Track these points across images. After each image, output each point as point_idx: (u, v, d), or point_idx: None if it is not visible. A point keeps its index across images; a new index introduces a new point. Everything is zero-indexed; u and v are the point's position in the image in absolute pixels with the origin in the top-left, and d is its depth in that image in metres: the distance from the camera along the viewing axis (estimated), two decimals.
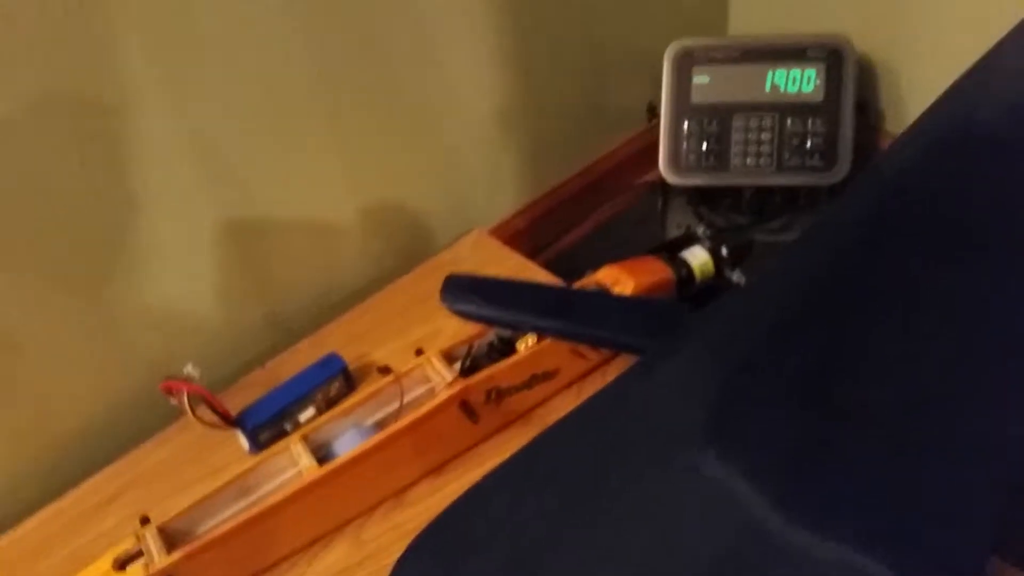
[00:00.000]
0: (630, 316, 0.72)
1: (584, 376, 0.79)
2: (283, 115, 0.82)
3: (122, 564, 0.63)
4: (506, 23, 0.93)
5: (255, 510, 0.65)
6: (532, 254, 1.10)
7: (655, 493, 0.52)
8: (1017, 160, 0.72)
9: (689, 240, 0.84)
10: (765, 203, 1.07)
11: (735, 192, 1.06)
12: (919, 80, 1.01)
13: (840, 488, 0.49)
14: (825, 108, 0.98)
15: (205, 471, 0.77)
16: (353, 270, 0.94)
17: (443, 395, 0.69)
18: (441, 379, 0.72)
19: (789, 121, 0.99)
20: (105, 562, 0.64)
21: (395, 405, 0.73)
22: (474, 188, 1.03)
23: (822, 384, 0.57)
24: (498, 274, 0.92)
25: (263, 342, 0.90)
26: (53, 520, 0.77)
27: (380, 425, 0.73)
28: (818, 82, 0.98)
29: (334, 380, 0.80)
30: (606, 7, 1.02)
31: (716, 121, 1.01)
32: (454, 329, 0.83)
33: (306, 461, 0.67)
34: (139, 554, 0.63)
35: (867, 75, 1.04)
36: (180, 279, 0.83)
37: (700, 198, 1.10)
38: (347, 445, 0.70)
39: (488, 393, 0.72)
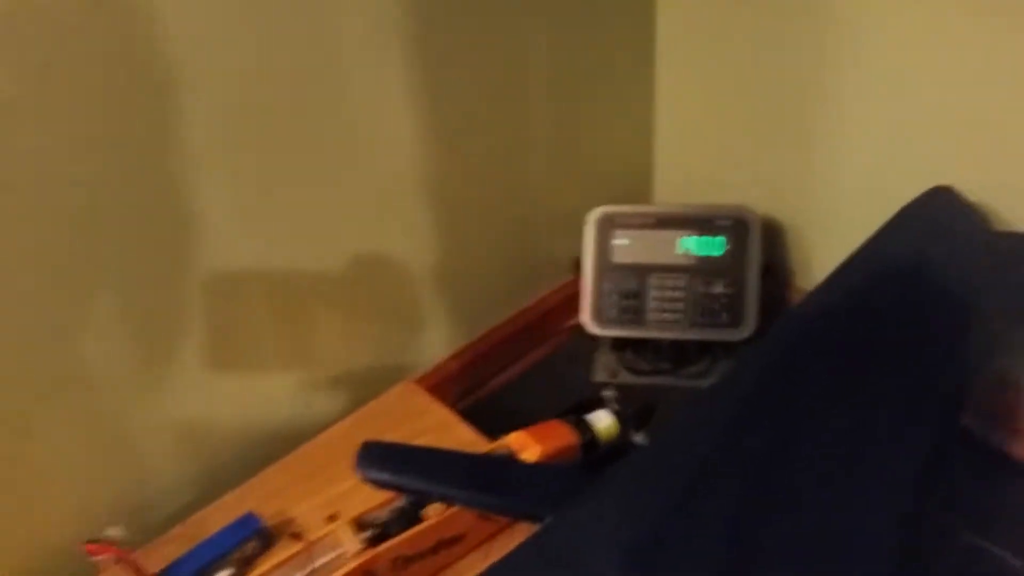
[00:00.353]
0: (533, 485, 0.76)
1: (491, 537, 0.83)
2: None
3: None
4: (438, 182, 1.00)
5: None
6: (465, 394, 1.15)
7: None
8: (896, 323, 0.81)
9: (596, 403, 0.89)
10: (683, 350, 1.13)
11: (655, 340, 1.13)
12: (823, 243, 1.10)
13: None
14: (732, 271, 1.05)
15: None
16: (284, 421, 0.99)
17: (349, 566, 0.73)
18: (350, 546, 0.75)
19: (699, 282, 1.06)
20: None
21: (305, 572, 0.76)
22: (408, 335, 1.09)
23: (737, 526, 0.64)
24: (422, 426, 0.97)
25: (191, 493, 0.93)
26: None
27: None
28: (727, 247, 1.05)
29: (250, 540, 0.83)
30: (538, 172, 1.10)
31: (634, 279, 1.08)
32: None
33: None
34: None
35: (777, 239, 1.12)
36: (113, 430, 0.87)
37: (624, 343, 1.16)
38: None
39: (394, 561, 0.75)
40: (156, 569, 0.81)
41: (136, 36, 0.72)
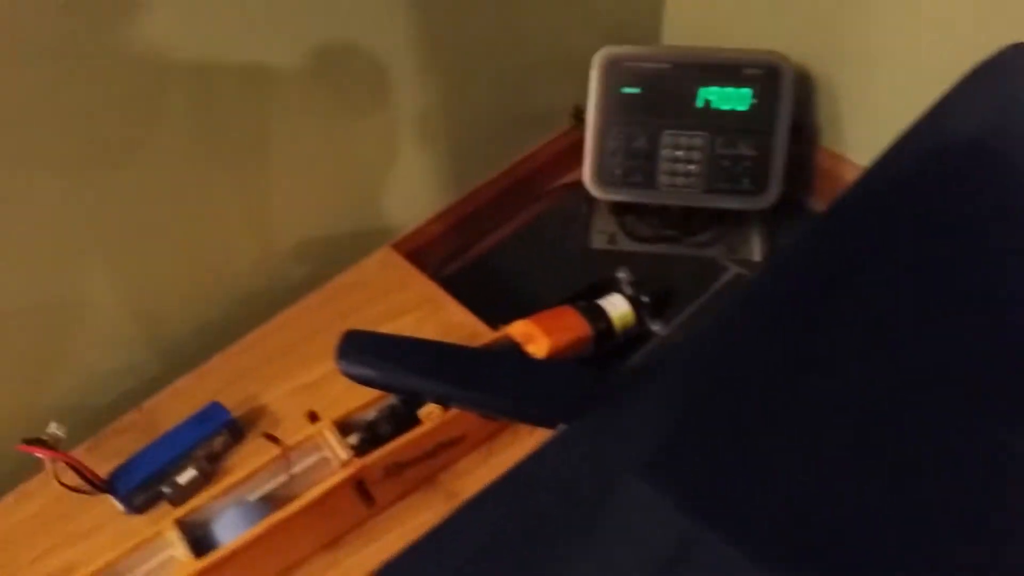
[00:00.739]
0: (541, 386, 0.67)
1: (492, 436, 0.74)
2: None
3: None
4: (424, 14, 0.83)
5: None
6: (448, 260, 1.03)
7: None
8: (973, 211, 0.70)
9: (608, 286, 0.79)
10: (691, 216, 1.02)
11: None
12: (859, 99, 0.97)
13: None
14: (758, 129, 0.92)
15: (74, 533, 0.71)
16: (246, 288, 0.86)
17: (337, 476, 0.64)
18: (334, 455, 0.66)
19: (720, 141, 0.93)
20: None
21: (282, 478, 0.67)
22: (387, 193, 0.95)
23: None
24: (404, 301, 0.86)
25: (143, 374, 0.82)
26: None
27: (266, 500, 0.67)
28: (753, 101, 0.92)
29: (217, 435, 0.73)
30: (532, 4, 0.92)
31: (644, 136, 0.94)
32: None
33: (182, 551, 0.61)
34: None
35: (804, 92, 0.99)
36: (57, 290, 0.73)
37: (625, 207, 1.04)
38: (230, 527, 0.64)
39: (387, 468, 0.66)
40: (108, 466, 0.71)
41: None
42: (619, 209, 1.04)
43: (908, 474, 0.54)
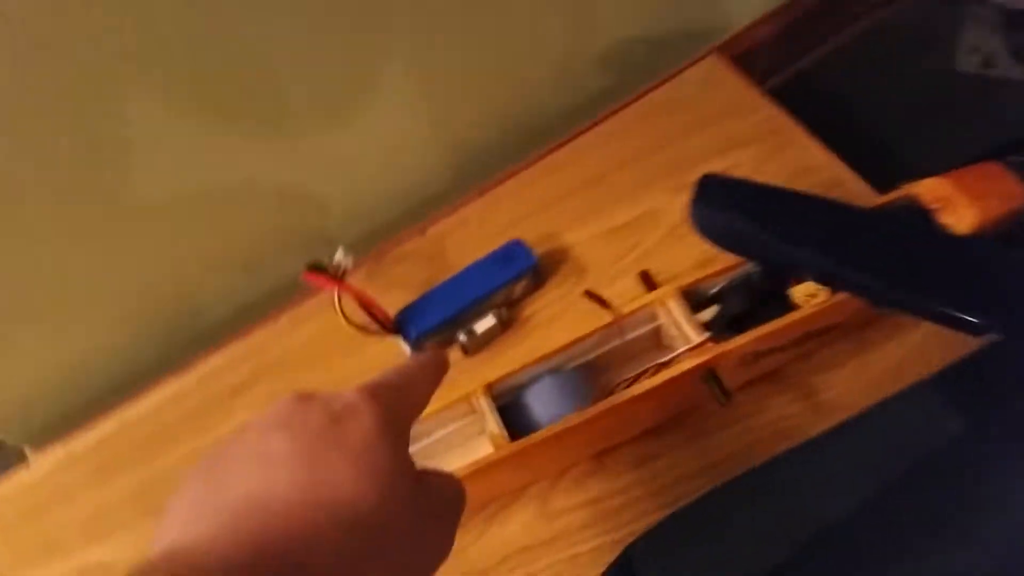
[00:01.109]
0: (984, 280, 0.48)
1: (868, 324, 0.57)
2: None
3: None
4: None
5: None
6: (776, 70, 0.82)
7: None
8: None
9: None
10: None
11: None
12: None
13: None
14: None
15: (354, 370, 0.62)
16: (545, 101, 0.70)
17: (686, 364, 0.50)
18: (678, 331, 0.51)
19: None
20: None
21: (606, 348, 0.54)
22: None
23: None
24: (737, 129, 0.67)
25: (426, 189, 0.70)
26: (174, 404, 0.64)
27: (582, 370, 0.54)
28: None
29: (520, 280, 0.60)
30: None
31: None
32: (675, 219, 0.61)
33: (493, 426, 0.50)
34: None
35: None
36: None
37: (1015, 18, 0.77)
38: (542, 397, 0.52)
39: (744, 356, 0.52)
40: (388, 297, 0.61)
41: None
42: (1011, 21, 0.78)
43: None
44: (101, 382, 0.68)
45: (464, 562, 0.54)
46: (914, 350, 0.56)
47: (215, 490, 0.26)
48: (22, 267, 0.56)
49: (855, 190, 0.62)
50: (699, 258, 0.61)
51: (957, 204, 0.53)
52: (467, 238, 0.66)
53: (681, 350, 0.50)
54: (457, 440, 0.56)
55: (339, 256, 0.56)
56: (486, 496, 0.55)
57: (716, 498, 0.51)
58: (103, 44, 0.47)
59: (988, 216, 0.53)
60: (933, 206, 0.54)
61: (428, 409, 0.51)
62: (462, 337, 0.59)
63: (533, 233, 0.64)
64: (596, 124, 0.70)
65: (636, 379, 0.51)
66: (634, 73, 0.72)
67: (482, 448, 0.53)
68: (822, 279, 0.50)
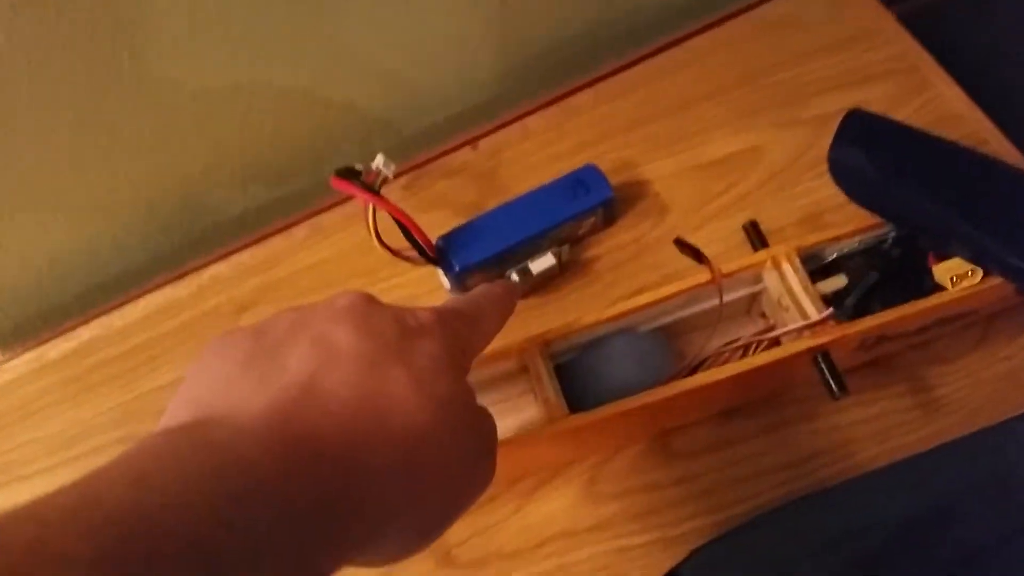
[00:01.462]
0: None
1: (999, 313, 0.48)
2: None
3: None
4: None
5: None
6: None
7: None
8: None
9: None
10: None
11: None
12: None
13: None
14: None
15: (383, 298, 0.53)
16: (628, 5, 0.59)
17: (798, 344, 0.40)
18: (789, 299, 0.42)
19: None
20: None
21: (688, 311, 0.44)
22: None
23: None
24: (865, 60, 0.56)
25: (481, 93, 0.59)
26: (166, 315, 0.55)
27: (660, 334, 0.45)
28: None
29: (590, 214, 0.50)
30: None
31: None
32: (780, 161, 0.51)
33: (550, 392, 0.41)
34: None
35: None
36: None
37: None
38: (612, 368, 0.43)
39: (863, 342, 0.42)
40: (427, 217, 0.51)
41: None
42: None
43: None
44: (85, 281, 0.59)
45: (492, 541, 0.45)
46: None
47: (262, 362, 0.24)
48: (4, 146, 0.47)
49: (1000, 151, 0.51)
50: (807, 212, 0.51)
51: None
52: (526, 157, 0.55)
53: (794, 326, 0.40)
54: (497, 395, 0.46)
55: (378, 162, 0.46)
56: (523, 469, 0.47)
57: (786, 518, 0.42)
58: None
59: None
60: None
61: None
62: (514, 276, 0.49)
63: (606, 160, 0.54)
64: (694, 34, 0.58)
65: (734, 353, 0.41)
66: None
67: (527, 410, 0.44)
68: (978, 258, 0.40)
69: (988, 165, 0.40)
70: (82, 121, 0.47)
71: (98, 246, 0.56)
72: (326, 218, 0.56)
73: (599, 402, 0.40)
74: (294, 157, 0.57)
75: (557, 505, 0.46)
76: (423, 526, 0.26)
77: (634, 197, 0.53)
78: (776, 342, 0.41)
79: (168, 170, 0.54)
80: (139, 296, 0.56)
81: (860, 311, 0.41)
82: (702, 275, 0.42)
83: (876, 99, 0.53)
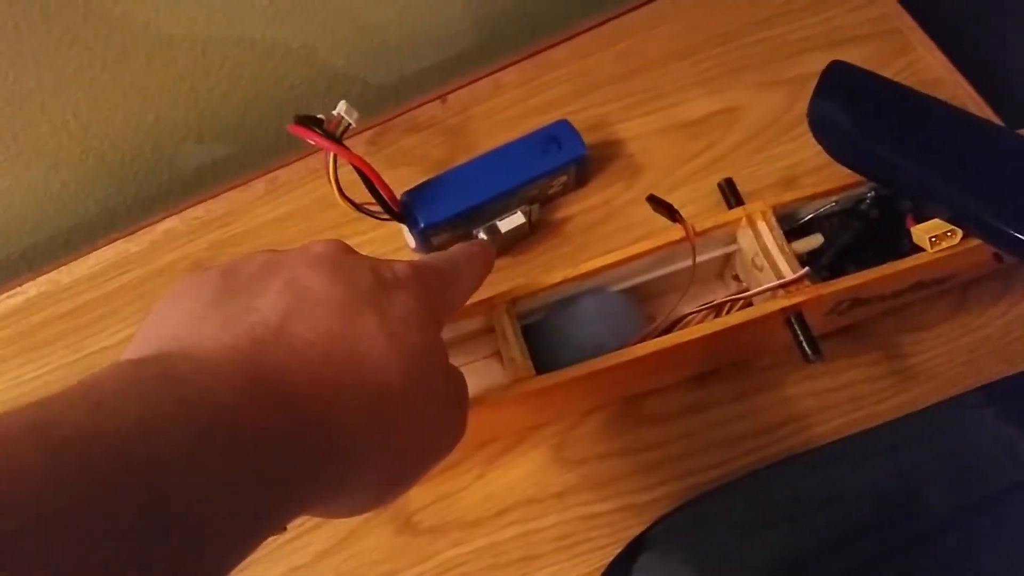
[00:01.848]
0: None
1: (976, 281, 0.47)
2: None
3: None
4: None
5: None
6: None
7: None
8: None
9: None
10: None
11: None
12: None
13: None
14: None
15: None
16: None
17: (771, 304, 0.39)
18: (763, 258, 0.40)
19: None
20: None
21: (660, 271, 0.43)
22: None
23: None
24: (848, 22, 0.55)
25: (451, 46, 0.57)
26: (117, 271, 0.52)
27: (630, 294, 0.44)
28: None
29: (562, 172, 0.48)
30: None
31: None
32: (759, 122, 0.50)
33: (516, 352, 0.39)
34: None
35: None
36: None
37: None
38: (580, 328, 0.41)
39: (838, 304, 0.41)
40: (393, 174, 0.49)
41: None
42: None
43: None
44: (33, 235, 0.56)
45: (453, 509, 0.44)
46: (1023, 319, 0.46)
47: (231, 300, 0.23)
48: None
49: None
50: (784, 174, 0.49)
51: None
52: (497, 113, 0.53)
53: (768, 285, 0.39)
54: (462, 356, 0.45)
55: (340, 109, 0.44)
56: (488, 434, 0.45)
57: (755, 484, 0.41)
58: None
59: None
60: None
61: None
62: (481, 235, 0.47)
63: (580, 118, 0.52)
64: None
65: (699, 313, 0.40)
66: None
67: (493, 373, 0.43)
68: (958, 219, 0.39)
69: (970, 122, 0.39)
70: (19, 51, 0.44)
71: (42, 196, 0.53)
72: (286, 172, 0.53)
73: (567, 364, 0.38)
74: (252, 108, 0.54)
75: (523, 471, 0.45)
76: (389, 477, 0.25)
77: (608, 157, 0.51)
78: (749, 304, 0.40)
79: (118, 117, 0.51)
80: (89, 252, 0.53)
81: (836, 272, 0.40)
82: (675, 233, 0.41)
83: (857, 61, 0.50)
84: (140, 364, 0.21)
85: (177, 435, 0.18)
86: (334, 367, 0.23)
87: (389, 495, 0.26)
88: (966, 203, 0.37)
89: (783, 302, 0.38)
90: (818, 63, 0.49)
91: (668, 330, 0.40)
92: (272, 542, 0.44)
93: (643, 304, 0.45)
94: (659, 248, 0.41)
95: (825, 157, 0.40)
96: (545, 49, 0.55)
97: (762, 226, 0.40)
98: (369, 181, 0.44)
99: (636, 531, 0.42)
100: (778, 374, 0.45)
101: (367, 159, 0.44)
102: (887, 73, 0.50)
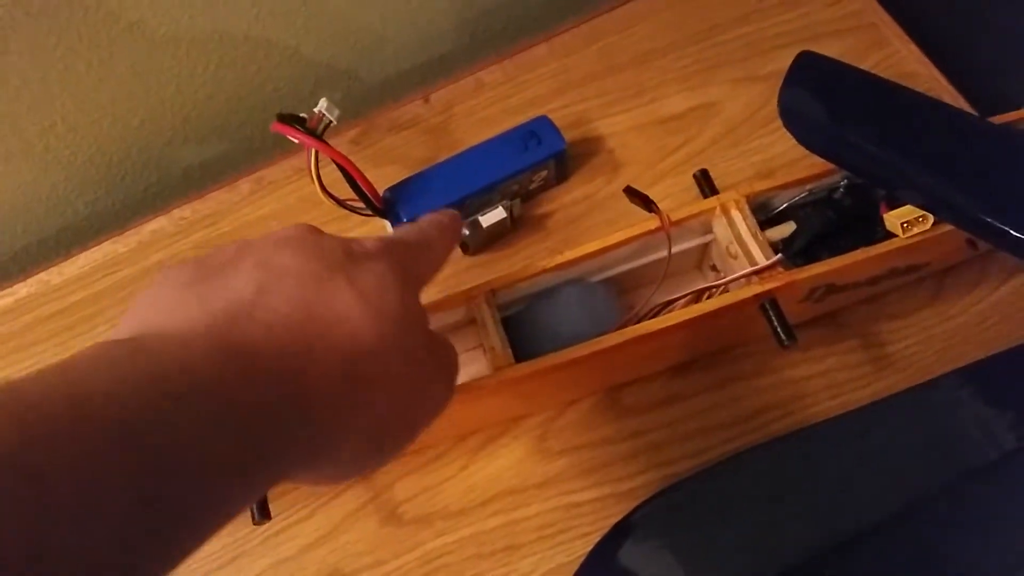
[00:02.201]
0: None
1: (953, 269, 0.48)
2: None
3: None
4: None
5: None
6: None
7: None
8: None
9: None
10: None
11: None
12: None
13: None
14: None
15: None
16: None
17: (745, 291, 0.39)
18: (738, 246, 0.41)
19: None
20: None
21: (638, 261, 0.44)
22: None
23: None
24: (825, 17, 0.55)
25: (435, 47, 0.57)
26: (105, 271, 0.53)
27: (609, 285, 0.44)
28: None
29: (542, 167, 0.49)
30: None
31: None
32: (736, 117, 0.51)
33: (496, 341, 0.40)
34: None
35: None
36: None
37: None
38: (559, 318, 0.42)
39: (812, 291, 0.42)
40: (376, 172, 0.50)
41: None
42: None
43: None
44: (23, 238, 0.56)
45: (437, 500, 0.44)
46: (999, 307, 0.47)
47: (205, 283, 0.24)
48: None
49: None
50: (760, 168, 0.50)
51: None
52: (479, 111, 0.54)
53: (742, 272, 0.40)
54: None
55: (321, 106, 0.44)
56: (471, 424, 0.46)
57: (734, 469, 0.41)
58: None
59: None
60: None
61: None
62: (463, 230, 0.48)
63: (560, 115, 0.52)
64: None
65: (678, 302, 0.40)
66: None
67: (475, 365, 0.44)
68: (930, 204, 0.40)
69: (937, 107, 0.40)
70: (4, 52, 0.45)
71: (32, 199, 0.54)
72: (271, 172, 0.54)
73: (547, 353, 0.39)
74: (237, 109, 0.55)
75: (505, 462, 0.45)
76: (372, 442, 0.26)
77: (588, 153, 0.52)
78: (726, 291, 0.41)
79: (105, 120, 0.52)
80: (78, 253, 0.54)
81: (810, 260, 0.40)
82: (652, 223, 0.41)
83: (833, 55, 0.52)
84: (115, 343, 0.21)
85: (147, 397, 0.18)
86: (308, 333, 0.23)
87: (373, 461, 0.26)
88: (936, 188, 0.38)
89: (757, 288, 0.39)
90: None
91: (644, 319, 0.40)
92: (258, 535, 0.44)
93: (623, 296, 0.46)
94: (636, 237, 0.41)
95: (801, 150, 0.40)
96: (526, 48, 0.56)
97: (736, 215, 0.41)
98: (351, 177, 0.45)
99: (617, 518, 0.42)
100: (756, 363, 0.46)
101: (351, 158, 0.45)
102: (863, 67, 0.51)
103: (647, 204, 0.42)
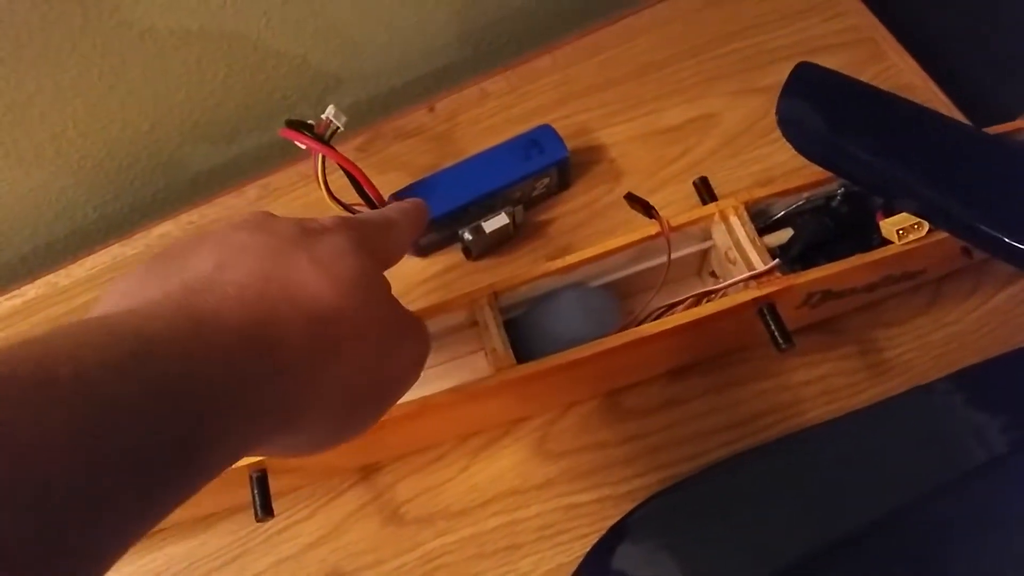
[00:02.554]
0: None
1: (949, 277, 0.48)
2: None
3: None
4: None
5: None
6: None
7: None
8: None
9: None
10: None
11: None
12: None
13: None
14: None
15: None
16: None
17: (743, 295, 0.40)
18: (736, 252, 0.42)
19: None
20: None
21: (638, 266, 0.44)
22: None
23: None
24: (823, 30, 0.57)
25: (439, 56, 0.59)
26: (113, 273, 0.54)
27: (609, 289, 0.45)
28: None
29: (544, 175, 0.50)
30: None
31: None
32: (735, 128, 0.51)
33: (497, 343, 0.40)
34: None
35: None
36: None
37: None
38: (560, 321, 0.43)
39: (809, 297, 0.42)
40: (382, 178, 0.50)
41: None
42: None
43: None
44: (32, 241, 0.57)
45: (439, 501, 0.45)
46: (995, 314, 0.48)
47: (165, 269, 0.25)
48: None
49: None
50: (759, 177, 0.51)
51: None
52: (482, 120, 0.55)
53: (740, 276, 0.40)
54: (446, 352, 0.46)
55: (329, 113, 0.45)
56: (473, 426, 0.46)
57: (731, 471, 0.42)
58: None
59: None
60: None
61: (420, 309, 0.42)
62: (466, 235, 0.49)
63: (563, 125, 0.53)
64: (652, 4, 0.58)
65: (678, 306, 0.41)
66: None
67: (477, 367, 0.44)
68: (926, 212, 0.40)
69: (933, 117, 0.40)
70: (19, 59, 0.46)
71: (41, 202, 0.55)
72: (277, 178, 0.55)
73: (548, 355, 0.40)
74: (245, 117, 0.56)
75: (506, 464, 0.46)
76: (343, 408, 0.26)
77: (590, 162, 0.53)
78: (724, 296, 0.41)
79: (115, 125, 0.53)
80: (86, 256, 0.54)
81: (807, 266, 0.41)
82: (652, 228, 0.42)
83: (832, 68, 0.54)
84: (76, 321, 0.21)
85: (115, 359, 0.19)
86: (268, 301, 0.24)
87: (347, 429, 0.27)
88: (932, 197, 0.39)
89: (755, 292, 0.40)
90: None
91: (647, 322, 0.41)
92: (260, 534, 0.45)
93: (623, 301, 0.46)
94: (637, 242, 0.42)
95: (799, 161, 0.41)
96: (529, 60, 0.57)
97: (734, 221, 0.42)
98: (357, 182, 0.46)
99: (616, 520, 0.43)
100: (754, 368, 0.46)
101: (357, 164, 0.46)
102: (861, 79, 0.52)
103: (647, 210, 0.43)
